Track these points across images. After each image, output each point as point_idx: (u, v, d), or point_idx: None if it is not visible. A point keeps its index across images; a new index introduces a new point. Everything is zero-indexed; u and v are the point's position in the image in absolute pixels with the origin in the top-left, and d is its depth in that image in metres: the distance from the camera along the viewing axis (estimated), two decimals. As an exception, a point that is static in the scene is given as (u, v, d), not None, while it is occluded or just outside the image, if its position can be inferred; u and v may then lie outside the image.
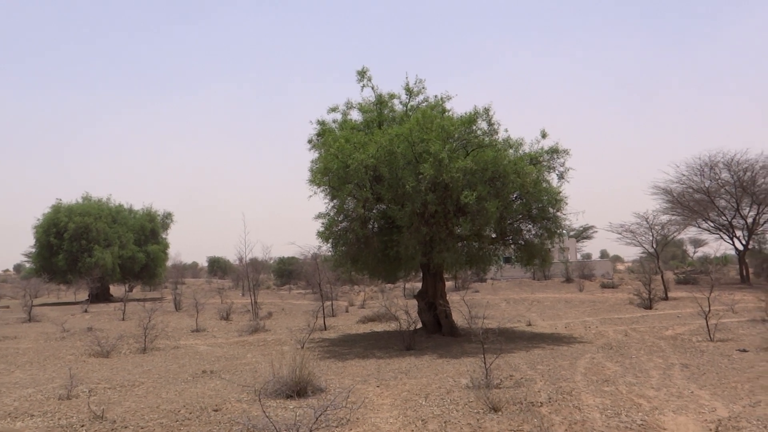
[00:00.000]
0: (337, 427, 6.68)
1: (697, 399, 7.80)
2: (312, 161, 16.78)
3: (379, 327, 19.38)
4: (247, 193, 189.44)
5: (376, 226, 16.15)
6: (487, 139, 15.60)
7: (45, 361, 13.59)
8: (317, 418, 5.63)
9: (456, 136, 15.21)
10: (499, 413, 7.15)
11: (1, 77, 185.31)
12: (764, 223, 38.52)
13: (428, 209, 14.29)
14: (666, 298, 26.09)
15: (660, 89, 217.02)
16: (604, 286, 36.31)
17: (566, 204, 15.46)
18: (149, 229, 43.08)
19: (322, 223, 15.98)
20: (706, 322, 14.46)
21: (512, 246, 16.94)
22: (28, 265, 48.74)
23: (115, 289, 45.35)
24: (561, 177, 15.75)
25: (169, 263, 48.36)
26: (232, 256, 73.47)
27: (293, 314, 26.02)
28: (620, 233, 36.25)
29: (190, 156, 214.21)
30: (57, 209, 39.37)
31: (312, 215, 20.21)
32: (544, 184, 15.28)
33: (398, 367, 11.15)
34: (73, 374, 9.76)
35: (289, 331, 18.78)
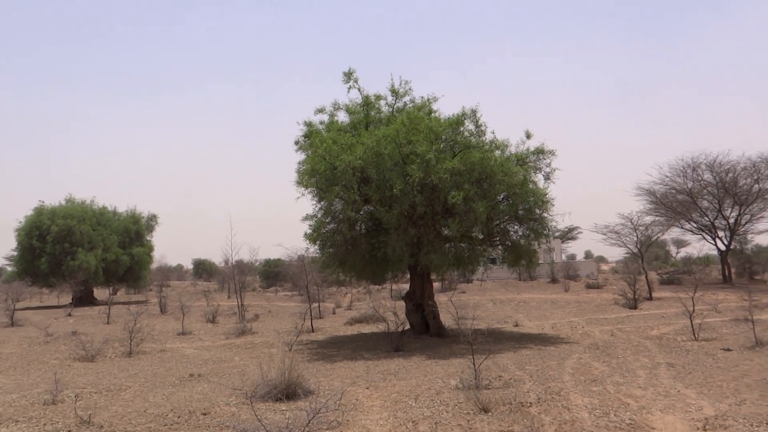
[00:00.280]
0: (328, 429, 6.66)
1: (684, 398, 7.89)
2: (299, 163, 16.73)
3: (366, 328, 19.36)
4: (233, 195, 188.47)
5: (363, 227, 16.14)
6: (474, 140, 15.66)
7: (29, 366, 13.41)
8: (310, 421, 5.61)
9: (443, 137, 15.25)
10: (489, 414, 7.17)
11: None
12: (746, 223, 39.01)
13: (416, 210, 14.32)
14: (650, 298, 26.33)
15: (644, 91, 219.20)
16: (589, 286, 36.55)
17: (553, 205, 15.57)
18: (134, 232, 42.71)
19: (310, 225, 15.95)
20: (691, 322, 14.62)
21: (499, 247, 17.01)
22: (9, 268, 48.05)
23: (99, 293, 44.83)
24: (547, 177, 15.88)
25: (154, 266, 48.01)
26: (217, 258, 73.10)
27: (280, 316, 25.92)
28: (605, 234, 36.55)
29: (176, 157, 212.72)
30: (39, 211, 38.88)
31: (300, 217, 20.13)
32: (531, 185, 15.36)
33: (387, 369, 11.15)
34: (58, 379, 9.63)
35: (277, 333, 18.70)
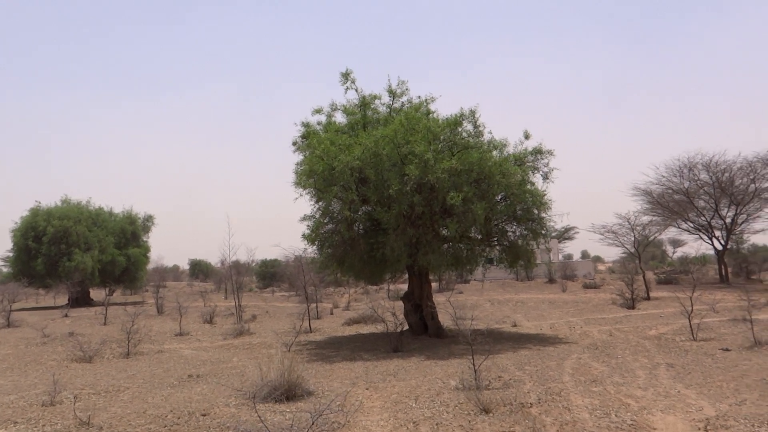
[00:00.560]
0: (330, 431, 6.64)
1: (684, 398, 7.89)
2: (297, 163, 16.69)
3: (365, 329, 19.33)
4: (229, 195, 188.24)
5: (362, 228, 16.12)
6: (472, 140, 15.66)
7: (26, 367, 13.35)
8: (314, 422, 5.59)
9: (441, 137, 15.25)
10: (490, 414, 7.16)
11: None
12: (742, 223, 39.13)
13: (414, 211, 14.30)
14: (648, 298, 26.36)
15: (641, 91, 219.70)
16: (586, 286, 36.59)
17: (550, 207, 15.56)
18: (130, 232, 42.57)
19: (308, 226, 15.93)
20: (689, 322, 14.63)
21: (497, 247, 17.01)
22: (5, 269, 47.88)
23: (95, 293, 44.69)
24: (545, 177, 15.86)
25: (150, 266, 47.86)
26: (213, 259, 72.99)
27: (278, 317, 25.87)
28: (602, 234, 36.60)
29: (173, 157, 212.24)
30: (35, 212, 38.72)
31: (297, 217, 20.10)
32: (529, 185, 15.36)
33: (386, 369, 11.13)
34: (57, 380, 9.58)
35: (275, 333, 18.65)
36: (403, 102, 17.58)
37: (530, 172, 15.68)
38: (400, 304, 18.14)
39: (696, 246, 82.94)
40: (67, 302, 34.76)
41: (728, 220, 38.63)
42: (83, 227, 38.20)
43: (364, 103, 17.38)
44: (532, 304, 27.40)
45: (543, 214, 15.58)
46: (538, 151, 15.74)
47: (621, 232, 34.84)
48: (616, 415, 7.03)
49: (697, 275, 38.35)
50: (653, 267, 55.28)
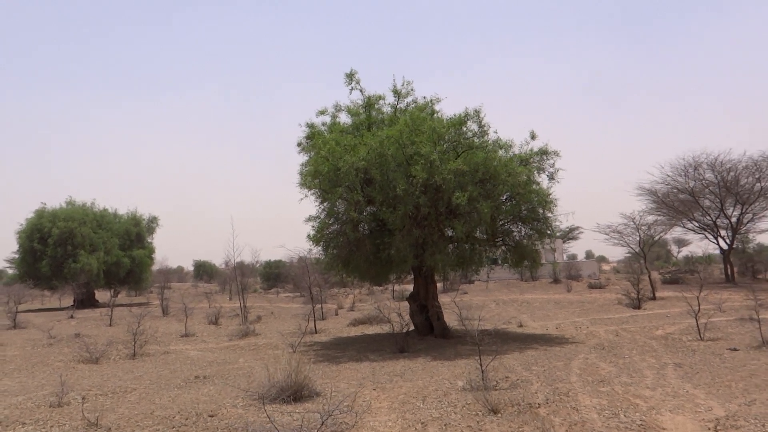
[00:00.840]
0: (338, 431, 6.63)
1: (693, 398, 7.85)
2: (302, 164, 16.69)
3: (370, 330, 19.32)
4: (229, 195, 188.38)
5: (367, 228, 16.08)
6: (477, 140, 15.64)
7: (33, 368, 13.38)
8: (323, 423, 5.58)
9: (446, 137, 15.23)
10: (499, 415, 7.14)
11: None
12: (748, 222, 39.00)
13: (420, 211, 14.28)
14: (654, 298, 26.29)
15: (639, 91, 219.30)
16: (591, 286, 36.52)
17: (556, 205, 15.52)
18: (134, 234, 42.68)
19: (313, 226, 15.91)
20: (696, 322, 14.58)
21: (502, 247, 16.97)
22: (11, 271, 48.04)
23: (100, 295, 44.81)
24: (551, 178, 15.81)
25: (155, 267, 47.96)
26: (217, 260, 73.09)
27: (283, 318, 25.88)
28: (607, 234, 36.55)
29: (177, 158, 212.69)
30: (40, 214, 38.85)
31: (302, 218, 20.13)
32: (534, 186, 15.32)
33: (393, 370, 11.11)
34: (64, 381, 9.59)
35: (280, 334, 18.65)
36: (408, 102, 17.55)
37: (536, 172, 15.64)
38: (406, 304, 18.14)
39: (702, 246, 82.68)
40: (72, 304, 34.88)
41: (734, 220, 38.50)
42: (88, 229, 38.31)
43: (369, 103, 17.36)
44: (537, 305, 27.34)
45: (548, 214, 15.55)
46: (543, 152, 15.69)
47: (626, 232, 34.81)
48: (625, 416, 7.00)
49: (703, 275, 38.20)
50: (658, 267, 55.19)
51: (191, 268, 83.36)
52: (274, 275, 53.75)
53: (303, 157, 17.06)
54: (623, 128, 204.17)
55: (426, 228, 14.61)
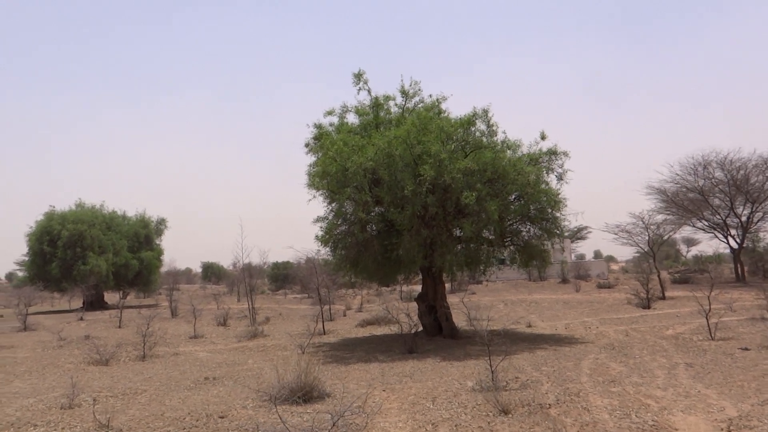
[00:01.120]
0: (347, 432, 6.63)
1: (705, 398, 7.79)
2: (309, 165, 16.71)
3: (378, 330, 19.32)
4: (240, 198, 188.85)
5: (375, 229, 16.08)
6: (485, 140, 15.61)
7: (44, 370, 13.45)
8: (335, 423, 5.57)
9: (455, 137, 15.20)
10: (509, 416, 7.11)
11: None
12: (758, 221, 38.70)
13: (428, 211, 14.26)
14: (663, 298, 26.15)
15: (639, 91, 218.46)
16: (600, 286, 36.37)
17: (565, 205, 15.47)
18: (143, 236, 42.84)
19: (321, 227, 15.92)
20: (707, 321, 14.48)
21: (511, 247, 16.93)
22: (20, 273, 48.34)
23: (109, 297, 45.02)
24: (560, 178, 15.75)
25: (163, 269, 48.12)
26: (226, 262, 73.29)
27: (291, 319, 25.91)
28: (616, 233, 36.38)
29: (185, 160, 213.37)
30: (50, 216, 39.05)
31: (310, 218, 20.14)
32: (543, 185, 15.27)
33: (402, 371, 11.09)
34: (75, 383, 9.63)
35: (289, 335, 18.67)
36: (415, 102, 17.55)
37: (544, 172, 15.58)
38: (414, 305, 18.11)
39: (712, 245, 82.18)
40: (82, 305, 35.02)
41: (744, 218, 38.23)
42: (97, 231, 38.48)
43: (377, 103, 17.36)
44: (546, 305, 27.25)
45: (557, 214, 15.50)
46: (552, 152, 15.63)
47: (635, 231, 34.64)
48: (636, 416, 6.95)
49: (713, 274, 37.95)
50: (667, 266, 54.87)
51: (199, 270, 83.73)
52: (282, 276, 53.87)
53: (311, 158, 17.10)
54: (623, 128, 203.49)
55: (434, 228, 14.58)
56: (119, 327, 24.40)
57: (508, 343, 13.70)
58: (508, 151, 15.65)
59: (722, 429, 6.39)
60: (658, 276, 28.36)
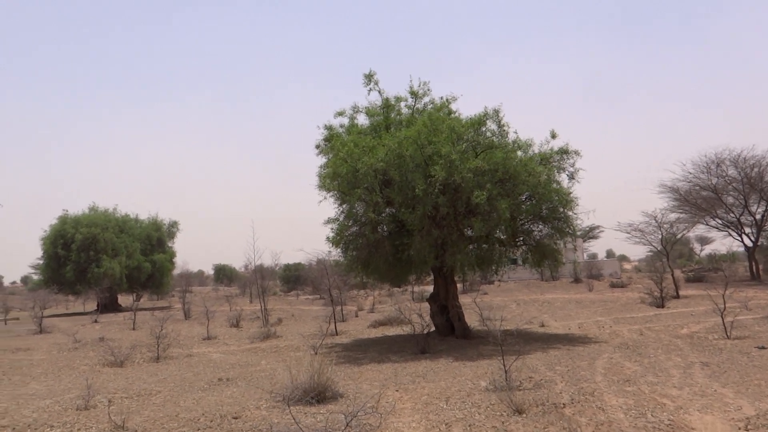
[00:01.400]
0: (361, 432, 6.62)
1: (722, 397, 7.72)
2: (320, 166, 16.75)
3: (391, 331, 19.31)
4: (252, 199, 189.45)
5: (386, 229, 16.08)
6: (496, 140, 15.56)
7: (60, 372, 13.57)
8: (348, 424, 5.58)
9: (465, 137, 15.16)
10: (524, 415, 7.08)
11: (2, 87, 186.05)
12: (773, 219, 38.31)
13: (439, 211, 14.23)
14: (677, 297, 25.95)
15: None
16: (613, 285, 36.17)
17: (577, 204, 15.38)
18: (155, 238, 43.18)
19: (332, 228, 15.94)
20: (722, 320, 14.35)
21: (523, 247, 16.87)
22: (35, 276, 48.86)
23: (123, 299, 45.37)
24: (572, 177, 15.67)
25: (176, 272, 48.44)
26: (237, 263, 73.62)
27: (303, 320, 25.97)
28: (629, 232, 36.15)
29: (196, 162, 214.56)
30: (64, 220, 39.47)
31: (320, 220, 20.17)
32: (555, 185, 15.21)
33: (415, 371, 11.08)
34: (90, 384, 9.71)
35: (301, 336, 18.71)
36: (425, 103, 17.54)
37: (556, 171, 15.52)
38: (426, 305, 18.09)
39: (726, 243, 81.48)
40: (96, 308, 35.33)
41: (758, 216, 37.86)
42: (111, 234, 38.83)
43: (387, 104, 17.37)
44: (558, 304, 27.13)
45: (569, 213, 15.42)
46: (564, 151, 15.56)
47: (648, 230, 34.40)
48: (652, 415, 6.90)
49: (727, 273, 37.59)
50: (681, 265, 54.45)
51: (212, 272, 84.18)
52: (293, 278, 54.02)
53: (321, 159, 17.14)
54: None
55: (445, 228, 14.55)
56: (133, 329, 24.59)
57: (521, 342, 13.66)
58: (519, 151, 15.59)
59: (740, 428, 6.33)
60: (672, 275, 28.13)
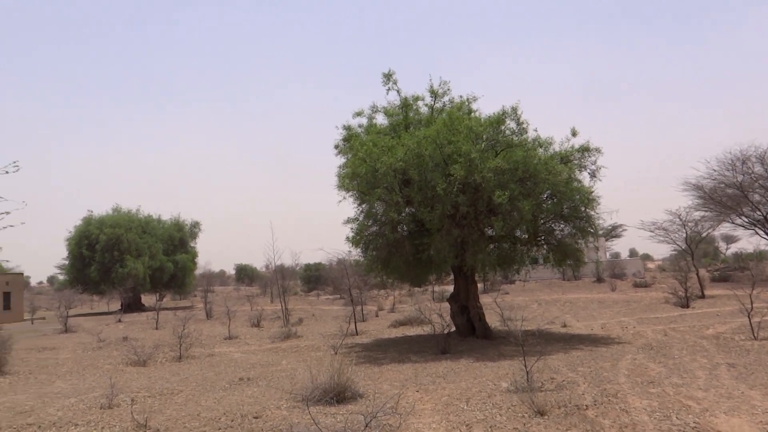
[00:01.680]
0: (381, 433, 6.60)
1: (749, 399, 7.55)
2: (339, 166, 16.78)
3: (411, 331, 19.28)
4: (272, 199, 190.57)
5: (406, 229, 16.05)
6: (516, 138, 15.43)
7: (84, 371, 13.78)
8: (367, 424, 5.56)
9: (484, 136, 15.07)
10: (545, 417, 6.99)
11: (31, 92, 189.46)
12: (801, 217, 37.44)
13: (459, 211, 14.15)
14: (702, 296, 25.54)
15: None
16: (636, 285, 35.71)
17: (599, 203, 15.20)
18: (178, 239, 43.66)
19: (352, 228, 15.95)
20: (749, 320, 14.07)
21: (544, 246, 16.71)
22: (61, 277, 49.71)
23: (146, 299, 45.94)
24: (593, 176, 15.50)
25: (198, 272, 48.94)
26: (258, 263, 74.16)
27: (323, 320, 26.04)
28: (652, 231, 35.63)
29: (217, 164, 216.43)
30: (88, 221, 40.09)
31: (340, 220, 20.21)
32: (576, 183, 15.05)
33: (435, 372, 11.03)
34: (113, 383, 9.84)
35: (322, 336, 18.77)
36: (444, 102, 17.47)
37: (577, 170, 15.36)
38: (446, 305, 18.02)
39: (753, 242, 79.82)
40: (120, 308, 35.84)
41: (786, 214, 37.02)
42: (134, 234, 39.36)
43: (406, 104, 17.33)
44: (581, 304, 26.85)
45: (591, 212, 15.25)
46: (585, 149, 15.39)
47: (672, 229, 33.88)
48: (677, 418, 6.77)
49: (754, 272, 36.86)
50: (706, 264, 53.56)
51: (233, 272, 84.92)
52: (314, 278, 54.24)
53: (340, 159, 17.16)
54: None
55: (465, 228, 14.47)
56: (156, 328, 24.88)
57: (542, 343, 13.53)
58: (540, 149, 15.46)
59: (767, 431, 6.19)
60: (697, 274, 27.70)
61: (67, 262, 40.99)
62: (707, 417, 6.78)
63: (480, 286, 35.57)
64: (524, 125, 15.76)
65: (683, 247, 34.73)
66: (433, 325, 14.52)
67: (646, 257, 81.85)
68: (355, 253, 18.51)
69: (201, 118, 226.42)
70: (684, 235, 32.85)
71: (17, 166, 6.83)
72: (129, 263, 37.43)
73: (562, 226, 16.13)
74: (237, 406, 8.60)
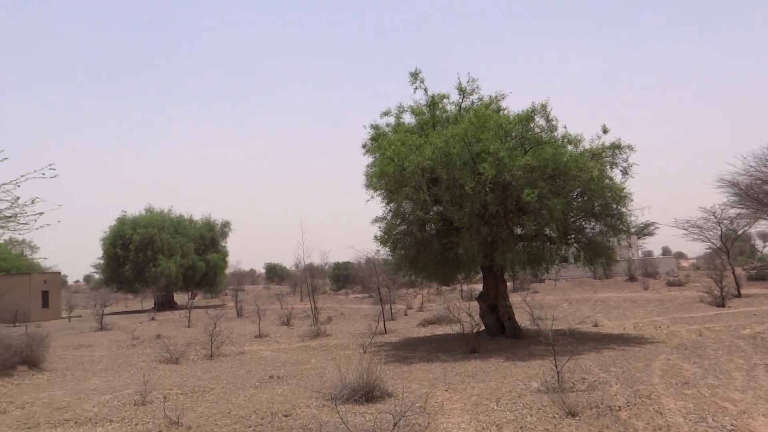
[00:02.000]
0: (410, 432, 6.59)
1: (789, 402, 7.34)
2: (367, 166, 16.81)
3: (440, 330, 19.21)
4: (302, 199, 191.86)
5: (434, 228, 16.00)
6: (545, 135, 15.26)
7: (119, 368, 14.07)
8: (396, 424, 5.56)
9: (513, 134, 14.93)
10: (577, 418, 6.89)
11: (71, 98, 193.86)
12: (843, 213, 36.25)
13: (488, 209, 14.06)
14: (739, 295, 24.91)
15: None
16: (670, 284, 35.02)
17: (631, 200, 14.94)
18: (209, 238, 44.26)
19: (380, 227, 15.98)
20: (789, 320, 13.68)
21: (575, 245, 16.50)
22: (97, 276, 50.83)
23: (178, 297, 46.69)
24: (625, 172, 15.25)
25: (229, 271, 49.54)
26: (288, 262, 74.75)
27: (352, 318, 26.12)
28: (686, 229, 34.84)
29: (248, 164, 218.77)
30: (122, 222, 40.91)
31: (369, 218, 20.25)
32: (607, 180, 14.82)
33: (464, 371, 10.97)
34: (147, 380, 10.02)
35: (351, 335, 18.83)
36: (473, 100, 17.37)
37: (608, 167, 15.12)
38: (475, 304, 17.92)
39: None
40: (153, 306, 36.48)
41: (827, 211, 35.88)
42: (166, 234, 40.03)
43: (433, 102, 17.27)
44: (612, 303, 26.43)
45: (623, 209, 15.00)
46: (616, 146, 15.15)
47: (706, 227, 33.07)
48: (713, 420, 6.62)
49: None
50: (742, 262, 52.25)
51: (263, 271, 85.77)
52: (343, 276, 54.43)
53: (368, 159, 17.19)
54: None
55: (494, 226, 14.37)
56: (188, 327, 25.25)
57: (573, 343, 13.36)
58: (569, 146, 15.27)
59: (809, 435, 6.01)
60: (733, 272, 27.02)
61: (102, 262, 41.90)
62: (745, 419, 6.61)
63: (509, 284, 35.30)
64: (554, 122, 15.58)
65: (718, 245, 33.89)
66: (462, 324, 14.45)
67: (680, 255, 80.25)
68: (384, 252, 18.52)
69: (234, 119, 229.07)
70: (719, 232, 32.05)
71: (53, 169, 7.00)
72: (162, 262, 38.08)
73: (593, 224, 15.91)
74: (267, 404, 8.68)
